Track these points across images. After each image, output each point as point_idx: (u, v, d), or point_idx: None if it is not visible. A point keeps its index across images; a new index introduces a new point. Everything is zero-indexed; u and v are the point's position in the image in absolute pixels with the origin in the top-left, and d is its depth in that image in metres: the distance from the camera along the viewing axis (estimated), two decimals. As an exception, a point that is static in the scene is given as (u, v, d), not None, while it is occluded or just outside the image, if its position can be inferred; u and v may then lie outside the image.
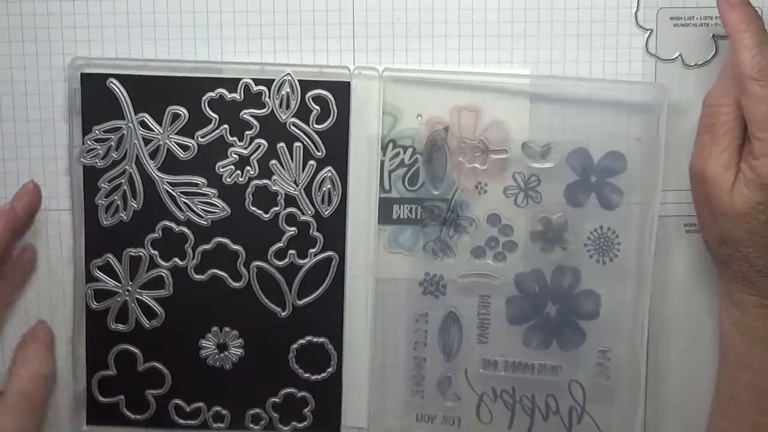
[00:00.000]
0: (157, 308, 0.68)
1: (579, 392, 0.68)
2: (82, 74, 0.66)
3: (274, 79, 0.66)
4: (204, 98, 0.66)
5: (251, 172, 0.67)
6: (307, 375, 0.69)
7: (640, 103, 0.66)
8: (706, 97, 0.61)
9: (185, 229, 0.67)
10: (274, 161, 0.66)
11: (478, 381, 0.68)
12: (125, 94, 0.66)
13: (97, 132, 0.66)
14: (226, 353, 0.69)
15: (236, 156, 0.66)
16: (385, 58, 0.67)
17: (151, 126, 0.66)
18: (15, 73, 0.67)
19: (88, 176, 0.67)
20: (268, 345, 0.69)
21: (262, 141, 0.66)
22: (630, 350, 0.67)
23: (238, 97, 0.66)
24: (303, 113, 0.66)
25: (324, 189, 0.67)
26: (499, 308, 0.68)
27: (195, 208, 0.67)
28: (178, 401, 0.69)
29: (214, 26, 0.66)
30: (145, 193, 0.67)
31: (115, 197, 0.67)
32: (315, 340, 0.69)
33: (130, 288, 0.68)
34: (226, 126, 0.66)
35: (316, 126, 0.66)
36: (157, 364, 0.69)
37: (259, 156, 0.66)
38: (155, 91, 0.66)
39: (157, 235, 0.67)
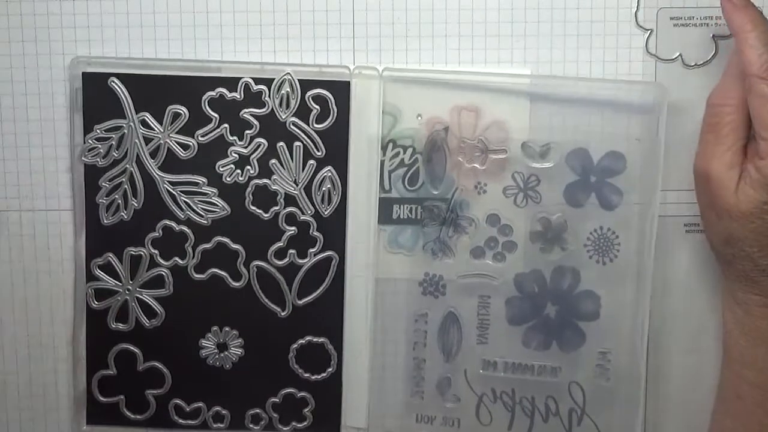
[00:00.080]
0: (157, 308, 0.68)
1: (579, 394, 0.68)
2: (83, 73, 0.66)
3: (274, 79, 0.66)
4: (204, 97, 0.66)
5: (251, 172, 0.67)
6: (307, 375, 0.69)
7: (639, 103, 0.65)
8: (709, 97, 0.61)
9: (185, 229, 0.67)
10: (274, 161, 0.66)
11: (477, 382, 0.68)
12: (126, 93, 0.66)
13: (98, 131, 0.66)
14: (226, 353, 0.69)
15: (236, 155, 0.66)
16: (385, 58, 0.67)
17: (152, 125, 0.66)
18: (15, 73, 0.67)
19: (88, 175, 0.67)
20: (268, 345, 0.69)
21: (262, 140, 0.66)
22: (630, 351, 0.67)
23: (238, 97, 0.66)
24: (303, 113, 0.66)
25: (324, 189, 0.67)
26: (499, 309, 0.67)
27: (195, 208, 0.67)
28: (178, 401, 0.69)
29: (214, 26, 0.67)
30: (146, 192, 0.67)
31: (116, 196, 0.67)
32: (315, 340, 0.69)
33: (130, 287, 0.68)
34: (226, 125, 0.66)
35: (316, 125, 0.66)
36: (157, 364, 0.69)
37: (259, 155, 0.66)
38: (156, 91, 0.66)
39: (157, 234, 0.67)
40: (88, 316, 0.68)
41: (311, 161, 0.67)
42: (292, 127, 0.66)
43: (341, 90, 0.66)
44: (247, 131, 0.66)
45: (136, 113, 0.66)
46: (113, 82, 0.66)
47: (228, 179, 0.67)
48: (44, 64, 0.67)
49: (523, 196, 0.66)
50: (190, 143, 0.66)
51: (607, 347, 0.67)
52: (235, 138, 0.66)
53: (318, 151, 0.66)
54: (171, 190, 0.67)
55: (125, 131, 0.66)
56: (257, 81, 0.66)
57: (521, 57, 0.66)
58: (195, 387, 0.69)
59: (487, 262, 0.67)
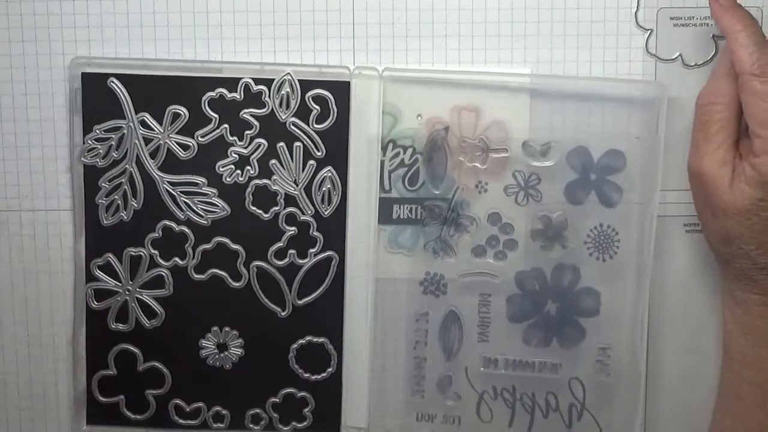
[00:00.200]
0: (157, 308, 0.68)
1: (579, 390, 0.68)
2: (83, 74, 0.66)
3: (274, 79, 0.66)
4: (204, 98, 0.66)
5: (251, 172, 0.67)
6: (307, 375, 0.69)
7: (639, 101, 0.66)
8: (698, 97, 0.62)
9: (185, 229, 0.67)
10: (274, 161, 0.66)
11: (478, 380, 0.69)
12: (126, 93, 0.66)
13: (97, 131, 0.66)
14: (226, 353, 0.69)
15: (236, 156, 0.66)
16: (385, 58, 0.67)
17: (152, 125, 0.66)
18: (15, 73, 0.67)
19: (88, 176, 0.67)
20: (268, 345, 0.69)
21: (262, 141, 0.66)
22: (630, 347, 0.67)
23: (238, 97, 0.66)
24: (303, 113, 0.66)
25: (324, 189, 0.67)
26: (500, 307, 0.68)
27: (195, 208, 0.67)
28: (178, 401, 0.69)
29: (214, 26, 0.67)
30: (146, 193, 0.67)
31: (116, 197, 0.67)
32: (315, 340, 0.69)
33: (130, 287, 0.68)
34: (226, 125, 0.66)
35: (316, 126, 0.66)
36: (157, 364, 0.69)
37: (259, 156, 0.66)
38: (156, 91, 0.66)
39: (157, 234, 0.67)
40: (88, 316, 0.68)
41: (311, 161, 0.67)
42: (292, 127, 0.66)
43: (341, 90, 0.66)
44: (247, 131, 0.66)
45: (136, 114, 0.66)
46: (113, 82, 0.66)
47: (228, 179, 0.67)
48: (44, 64, 0.67)
49: (523, 194, 0.66)
50: (190, 143, 0.66)
51: (607, 343, 0.67)
52: (235, 138, 0.66)
53: (318, 151, 0.66)
54: (171, 191, 0.67)
55: (125, 132, 0.66)
56: (257, 81, 0.66)
57: (521, 57, 0.66)
58: (195, 387, 0.69)
59: (488, 260, 0.67)
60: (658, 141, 0.65)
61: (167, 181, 0.67)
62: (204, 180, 0.67)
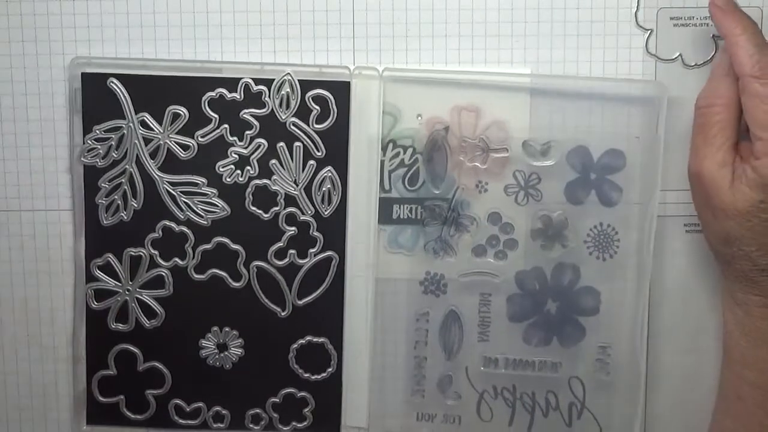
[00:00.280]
0: (157, 308, 0.68)
1: (579, 388, 0.68)
2: (82, 74, 0.66)
3: (274, 79, 0.66)
4: (204, 98, 0.66)
5: (251, 172, 0.67)
6: (307, 375, 0.69)
7: (639, 101, 0.66)
8: (697, 100, 0.62)
9: (185, 229, 0.67)
10: (274, 161, 0.66)
11: (478, 379, 0.69)
12: (126, 93, 0.66)
13: (97, 131, 0.66)
14: (226, 353, 0.69)
15: (236, 156, 0.66)
16: (385, 58, 0.67)
17: (152, 126, 0.66)
18: (15, 73, 0.67)
19: (88, 176, 0.67)
20: (268, 345, 0.69)
21: (262, 141, 0.66)
22: (630, 346, 0.67)
23: (238, 97, 0.66)
24: (303, 113, 0.66)
25: (324, 189, 0.67)
26: (500, 306, 0.68)
27: (195, 208, 0.67)
28: (178, 401, 0.69)
29: (214, 26, 0.67)
30: (146, 193, 0.67)
31: (116, 197, 0.67)
32: (315, 340, 0.69)
33: (130, 288, 0.68)
34: (226, 126, 0.66)
35: (316, 126, 0.66)
36: (157, 364, 0.69)
37: (259, 156, 0.66)
38: (155, 91, 0.66)
39: (157, 234, 0.67)
40: (88, 316, 0.68)
41: (311, 161, 0.67)
42: (292, 127, 0.66)
43: (341, 90, 0.66)
44: (247, 132, 0.66)
45: (136, 114, 0.66)
46: (113, 82, 0.66)
47: (228, 180, 0.67)
48: (44, 64, 0.67)
49: (524, 194, 0.67)
50: (190, 144, 0.66)
51: (607, 342, 0.67)
52: (235, 138, 0.66)
53: (318, 151, 0.66)
54: (171, 191, 0.67)
55: (125, 132, 0.66)
56: (257, 81, 0.66)
57: (521, 57, 0.66)
58: (195, 387, 0.69)
59: (488, 260, 0.67)
60: (658, 141, 0.65)
61: (167, 181, 0.67)
62: (204, 180, 0.67)
